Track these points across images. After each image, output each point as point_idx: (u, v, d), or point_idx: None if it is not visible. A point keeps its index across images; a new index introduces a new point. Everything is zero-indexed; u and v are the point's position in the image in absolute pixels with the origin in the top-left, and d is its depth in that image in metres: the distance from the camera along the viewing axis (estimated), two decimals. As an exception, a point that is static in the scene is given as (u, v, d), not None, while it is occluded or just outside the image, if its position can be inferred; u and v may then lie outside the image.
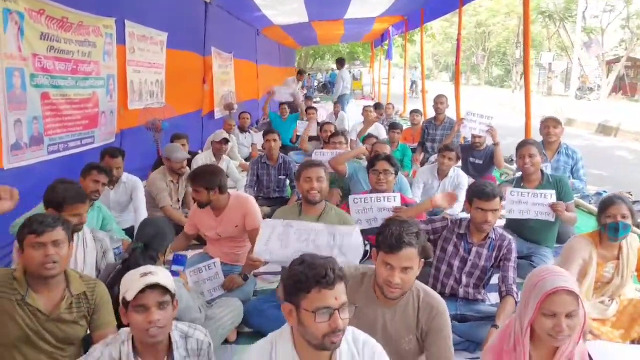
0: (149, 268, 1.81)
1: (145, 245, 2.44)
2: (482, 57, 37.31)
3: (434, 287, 2.95)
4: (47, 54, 3.87)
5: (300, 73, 12.23)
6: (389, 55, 16.93)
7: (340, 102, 10.59)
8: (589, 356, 1.82)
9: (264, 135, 5.24)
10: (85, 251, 2.75)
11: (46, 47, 3.85)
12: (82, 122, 4.48)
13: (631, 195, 5.68)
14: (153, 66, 6.20)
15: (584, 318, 1.62)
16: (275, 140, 5.07)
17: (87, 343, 2.16)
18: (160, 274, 1.78)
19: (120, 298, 1.77)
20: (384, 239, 1.89)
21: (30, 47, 3.65)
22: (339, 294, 1.50)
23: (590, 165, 7.97)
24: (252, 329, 2.96)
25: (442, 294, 2.92)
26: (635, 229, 4.50)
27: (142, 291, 1.70)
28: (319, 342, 1.49)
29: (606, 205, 2.72)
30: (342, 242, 2.65)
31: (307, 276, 1.49)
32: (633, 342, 2.66)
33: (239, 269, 3.33)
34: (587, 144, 11.06)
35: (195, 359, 1.88)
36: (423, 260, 1.96)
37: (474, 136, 5.15)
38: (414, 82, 26.55)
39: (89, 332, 2.15)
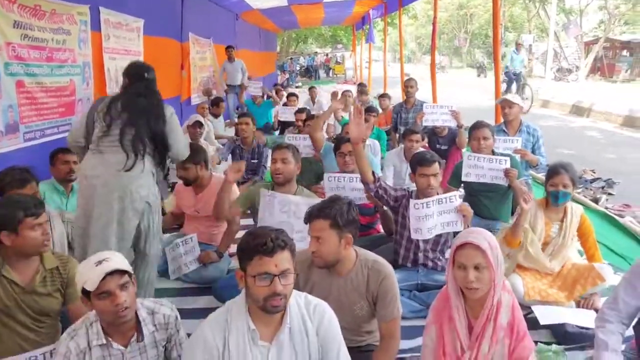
0: (102, 254, 1.84)
1: None
2: (464, 40, 37.33)
3: (398, 256, 3.18)
4: (21, 42, 3.92)
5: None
6: (369, 38, 16.98)
7: (231, 92, 9.69)
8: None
9: (237, 119, 5.34)
10: (52, 233, 2.84)
11: (19, 35, 3.89)
12: (58, 110, 4.53)
13: (594, 172, 5.94)
14: (129, 53, 6.22)
15: (494, 272, 1.79)
16: (247, 124, 5.15)
17: (63, 315, 2.31)
18: (114, 258, 1.82)
19: (79, 288, 1.80)
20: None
21: (4, 35, 3.69)
22: (278, 261, 1.62)
23: (560, 145, 8.25)
24: (223, 303, 3.11)
25: (404, 264, 3.15)
26: (582, 198, 4.86)
27: (103, 278, 1.74)
28: (262, 305, 1.64)
29: (551, 174, 3.04)
30: None
31: (249, 245, 1.64)
32: (578, 302, 2.95)
33: (212, 249, 3.51)
34: (560, 124, 11.29)
35: (163, 331, 1.97)
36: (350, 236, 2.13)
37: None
38: (515, 77, 12.58)
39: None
